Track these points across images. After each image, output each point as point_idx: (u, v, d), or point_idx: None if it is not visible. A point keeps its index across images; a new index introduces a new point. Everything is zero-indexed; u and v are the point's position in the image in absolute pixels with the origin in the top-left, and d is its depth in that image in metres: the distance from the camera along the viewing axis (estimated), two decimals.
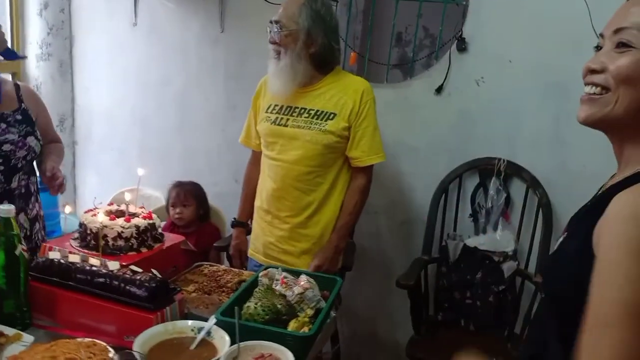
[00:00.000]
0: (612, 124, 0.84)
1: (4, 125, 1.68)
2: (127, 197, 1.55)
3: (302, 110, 1.88)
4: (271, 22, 1.86)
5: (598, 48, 0.87)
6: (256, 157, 2.10)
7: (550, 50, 2.12)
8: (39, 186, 1.86)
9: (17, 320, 1.25)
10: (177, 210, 2.28)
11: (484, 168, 2.27)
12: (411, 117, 2.35)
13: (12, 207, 1.23)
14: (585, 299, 0.75)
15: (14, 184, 1.70)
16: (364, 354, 2.58)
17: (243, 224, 2.16)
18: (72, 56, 2.93)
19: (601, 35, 0.87)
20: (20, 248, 1.24)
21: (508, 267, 2.18)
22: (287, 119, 1.89)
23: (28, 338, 1.20)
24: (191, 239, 2.04)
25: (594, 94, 0.84)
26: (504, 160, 2.21)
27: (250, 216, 2.16)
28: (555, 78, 2.13)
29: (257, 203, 2.03)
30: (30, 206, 1.80)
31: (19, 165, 1.71)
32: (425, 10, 2.37)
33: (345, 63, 2.42)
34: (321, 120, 1.86)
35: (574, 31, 2.06)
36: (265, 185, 1.96)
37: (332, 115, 1.86)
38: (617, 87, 0.81)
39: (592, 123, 0.86)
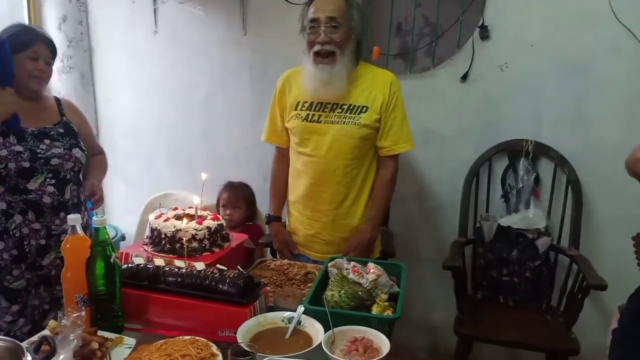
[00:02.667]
0: None
1: (47, 141, 1.72)
2: (196, 200, 1.61)
3: (335, 105, 1.88)
4: (315, 20, 1.78)
5: None
6: (281, 153, 2.11)
7: (568, 31, 2.22)
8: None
9: (112, 325, 1.31)
10: (228, 211, 2.34)
11: (512, 150, 2.36)
12: (437, 105, 2.43)
13: (105, 217, 1.28)
14: None
15: (67, 195, 1.75)
16: (401, 336, 2.66)
17: (278, 218, 2.17)
18: (92, 68, 2.95)
19: None
20: (114, 256, 1.30)
21: (542, 243, 2.28)
22: (320, 115, 1.89)
23: (130, 340, 1.26)
24: None
25: None
26: (531, 141, 2.31)
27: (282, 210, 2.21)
28: (575, 58, 2.23)
29: (291, 198, 2.04)
30: (81, 215, 1.84)
31: (68, 177, 1.76)
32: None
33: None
34: (354, 114, 1.87)
35: (591, 12, 2.16)
36: (301, 181, 1.97)
37: (364, 108, 1.87)
38: None
39: None
